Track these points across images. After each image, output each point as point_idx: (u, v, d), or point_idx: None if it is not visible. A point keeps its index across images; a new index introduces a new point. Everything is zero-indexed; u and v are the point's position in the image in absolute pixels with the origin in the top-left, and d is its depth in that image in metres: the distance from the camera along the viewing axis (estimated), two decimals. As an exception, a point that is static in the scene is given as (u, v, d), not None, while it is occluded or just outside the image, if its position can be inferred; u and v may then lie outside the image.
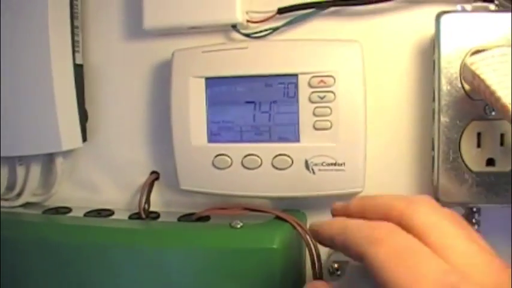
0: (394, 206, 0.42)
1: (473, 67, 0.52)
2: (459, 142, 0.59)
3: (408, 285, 0.36)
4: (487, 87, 0.50)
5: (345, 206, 0.49)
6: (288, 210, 0.68)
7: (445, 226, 0.40)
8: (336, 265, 0.60)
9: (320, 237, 0.47)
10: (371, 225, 0.41)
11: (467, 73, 0.55)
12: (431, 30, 0.61)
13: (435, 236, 0.39)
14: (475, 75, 0.52)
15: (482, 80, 0.50)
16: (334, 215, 0.50)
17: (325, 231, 0.46)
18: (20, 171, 0.77)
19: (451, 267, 0.37)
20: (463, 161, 0.59)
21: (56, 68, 0.68)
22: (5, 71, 0.69)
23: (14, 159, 0.77)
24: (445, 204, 0.57)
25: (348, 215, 0.47)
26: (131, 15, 0.74)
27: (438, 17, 0.58)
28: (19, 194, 0.78)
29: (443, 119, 0.59)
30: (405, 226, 0.40)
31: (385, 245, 0.38)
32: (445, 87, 0.58)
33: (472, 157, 0.59)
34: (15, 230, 0.69)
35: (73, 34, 0.72)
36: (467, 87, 0.57)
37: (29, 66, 0.69)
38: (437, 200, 0.60)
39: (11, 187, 0.78)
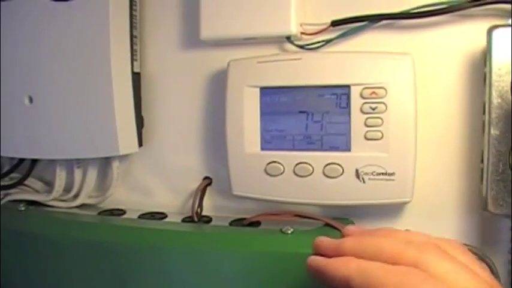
0: (405, 255, 0.42)
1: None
2: (509, 154, 0.59)
3: None
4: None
5: (335, 244, 0.48)
6: (337, 218, 0.69)
7: (457, 271, 0.41)
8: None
9: (327, 276, 0.44)
10: (400, 271, 0.41)
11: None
12: (482, 43, 0.62)
13: (451, 281, 0.40)
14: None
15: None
16: (318, 252, 0.48)
17: (338, 270, 0.43)
18: (78, 173, 0.80)
19: None
20: (512, 173, 0.59)
21: (115, 75, 0.70)
22: (68, 78, 0.72)
23: (72, 162, 0.79)
24: (493, 215, 0.59)
25: (340, 254, 0.45)
26: (188, 25, 0.76)
27: (490, 31, 0.59)
28: (76, 196, 0.80)
29: (494, 131, 0.59)
30: None
31: None
32: (495, 100, 0.59)
33: (521, 169, 0.59)
34: (71, 230, 0.72)
35: (132, 43, 0.74)
36: (518, 100, 0.58)
37: (90, 73, 0.71)
38: (486, 210, 0.60)
39: (68, 189, 0.81)
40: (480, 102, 0.63)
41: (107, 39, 0.70)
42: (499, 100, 0.59)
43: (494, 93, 0.59)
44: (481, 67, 0.63)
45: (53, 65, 0.73)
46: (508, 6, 0.61)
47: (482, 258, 0.61)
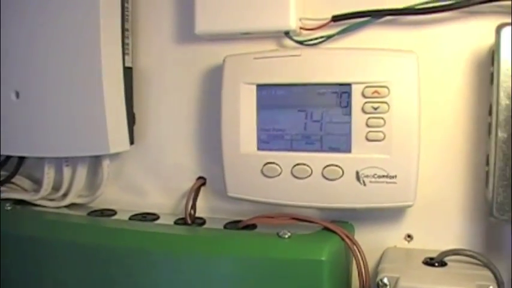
0: None
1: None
2: (517, 159, 0.57)
3: None
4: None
5: None
6: (336, 222, 0.67)
7: None
8: (386, 280, 0.59)
9: None
10: None
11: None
12: (489, 42, 0.60)
13: None
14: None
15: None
16: None
17: None
18: (67, 172, 0.78)
19: None
20: (520, 178, 0.57)
21: (106, 70, 0.68)
22: (56, 72, 0.70)
23: (60, 160, 0.77)
24: (499, 221, 0.57)
25: None
26: (183, 19, 0.74)
27: (499, 29, 0.57)
28: (65, 195, 0.78)
29: (501, 134, 0.57)
30: None
31: None
32: (503, 101, 0.57)
33: (530, 175, 0.57)
34: (60, 231, 0.70)
35: (123, 37, 0.72)
36: (527, 102, 0.56)
37: (79, 67, 0.69)
38: (492, 216, 0.58)
39: (57, 187, 0.79)
40: (486, 103, 0.61)
41: (97, 33, 0.68)
42: (507, 101, 0.57)
43: (502, 94, 0.57)
44: (487, 66, 0.61)
45: (41, 59, 0.70)
46: None
47: (486, 265, 0.59)
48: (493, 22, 0.59)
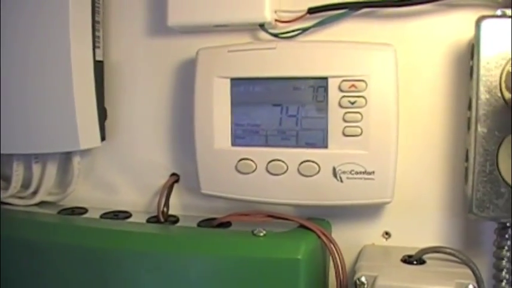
0: None
1: (518, 75, 0.50)
2: (497, 154, 0.56)
3: None
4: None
5: None
6: (312, 219, 0.66)
7: None
8: (363, 278, 0.57)
9: None
10: None
11: (510, 82, 0.52)
12: (468, 35, 0.59)
13: None
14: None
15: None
16: None
17: None
18: (36, 169, 0.76)
19: None
20: (500, 173, 0.56)
21: (75, 63, 0.67)
22: (23, 65, 0.68)
23: (30, 157, 0.75)
24: (478, 217, 0.56)
25: None
26: (155, 11, 0.72)
27: (478, 21, 0.56)
28: (34, 193, 0.76)
29: (481, 129, 0.56)
30: None
31: None
32: (483, 96, 0.56)
33: (510, 170, 0.56)
34: (30, 230, 0.68)
35: (94, 29, 0.70)
36: (507, 96, 0.55)
37: (47, 61, 0.67)
38: (471, 213, 0.58)
39: (26, 185, 0.77)
40: (466, 97, 0.60)
41: (66, 25, 0.66)
42: (487, 96, 0.56)
43: (482, 89, 0.56)
44: (466, 59, 0.61)
45: (8, 53, 0.68)
46: None
47: (465, 262, 0.58)
48: (472, 15, 0.58)
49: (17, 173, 0.76)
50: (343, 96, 0.60)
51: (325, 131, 0.61)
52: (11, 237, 0.67)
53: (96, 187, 0.78)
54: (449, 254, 0.59)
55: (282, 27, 0.66)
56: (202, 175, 0.66)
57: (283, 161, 0.63)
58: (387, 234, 0.67)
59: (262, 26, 0.65)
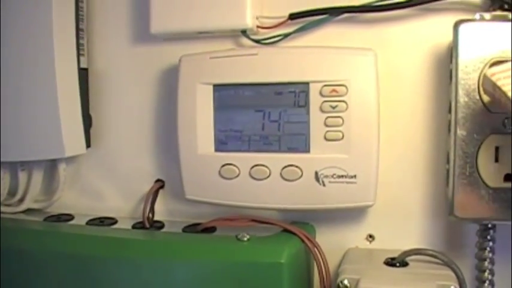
0: None
1: (494, 78, 0.51)
2: (476, 156, 0.57)
3: None
4: (509, 99, 0.47)
5: None
6: (296, 223, 0.66)
7: None
8: (346, 281, 0.58)
9: None
10: None
11: (487, 85, 0.53)
12: (448, 39, 0.59)
13: None
14: (495, 87, 0.50)
15: (503, 93, 0.48)
16: None
17: None
18: (22, 176, 0.76)
19: None
20: (479, 176, 0.57)
21: (60, 71, 0.67)
22: (7, 73, 0.68)
23: (15, 165, 0.75)
24: (460, 220, 0.57)
25: None
26: (138, 19, 0.72)
27: (456, 25, 0.56)
28: (21, 200, 0.76)
29: (460, 132, 0.57)
30: None
31: None
32: (462, 99, 0.56)
33: (490, 172, 0.57)
34: (16, 238, 0.68)
35: (78, 37, 0.70)
36: (485, 99, 0.55)
37: (32, 69, 0.67)
38: (452, 215, 0.58)
39: (12, 193, 0.77)
40: (446, 101, 0.61)
41: (49, 32, 0.66)
42: (466, 99, 0.56)
43: (460, 92, 0.56)
44: (446, 63, 0.61)
45: (-9, 60, 0.68)
46: (475, 0, 0.60)
47: (448, 264, 0.59)
48: (451, 19, 0.58)
49: (3, 181, 0.76)
50: (325, 101, 0.61)
51: (307, 136, 0.62)
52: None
53: (82, 194, 0.78)
54: (432, 256, 0.60)
55: (264, 33, 0.66)
56: (187, 181, 0.67)
57: (266, 166, 0.63)
58: (371, 237, 0.67)
59: (244, 32, 0.65)
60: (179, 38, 0.70)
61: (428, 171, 0.65)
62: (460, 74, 0.56)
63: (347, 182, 0.61)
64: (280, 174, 0.63)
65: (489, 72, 0.53)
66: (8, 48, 0.68)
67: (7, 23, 0.67)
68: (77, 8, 0.70)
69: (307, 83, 0.61)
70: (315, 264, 0.62)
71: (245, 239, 0.61)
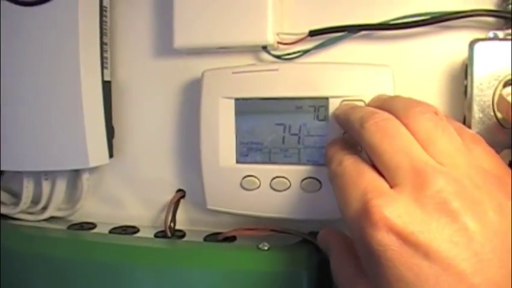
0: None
1: (509, 98, 0.52)
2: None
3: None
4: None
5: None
6: (315, 233, 0.67)
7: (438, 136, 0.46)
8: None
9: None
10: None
11: (502, 104, 0.54)
12: (462, 55, 0.61)
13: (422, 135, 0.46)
14: (510, 107, 0.52)
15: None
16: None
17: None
18: (46, 185, 0.77)
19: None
20: (494, 190, 0.58)
21: (85, 84, 0.68)
22: (36, 86, 0.69)
23: (39, 174, 0.77)
24: None
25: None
26: (161, 33, 0.74)
27: (472, 44, 0.58)
28: (44, 208, 0.78)
29: (475, 147, 0.58)
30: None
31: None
32: (477, 115, 0.58)
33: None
34: (40, 245, 0.69)
35: (102, 50, 0.72)
36: (499, 115, 0.57)
37: (58, 81, 0.69)
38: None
39: (35, 201, 0.78)
40: (461, 116, 0.62)
41: (76, 46, 0.67)
42: (481, 115, 0.58)
43: (475, 108, 0.58)
44: (461, 79, 0.62)
45: (19, 73, 0.70)
46: (489, 19, 0.61)
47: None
48: (466, 35, 0.61)
49: (27, 189, 0.77)
50: (343, 116, 0.62)
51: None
52: (21, 252, 0.68)
53: (104, 202, 0.79)
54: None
55: (284, 49, 0.68)
56: (208, 192, 0.68)
57: (286, 178, 0.64)
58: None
59: (265, 48, 0.67)
60: (201, 53, 0.71)
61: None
62: (475, 91, 0.58)
63: (364, 193, 0.62)
64: (300, 185, 0.64)
65: (505, 92, 0.54)
66: (35, 62, 0.69)
67: (36, 38, 0.69)
68: (101, 22, 0.71)
69: (326, 98, 0.63)
70: (333, 272, 0.64)
71: (265, 248, 0.62)
